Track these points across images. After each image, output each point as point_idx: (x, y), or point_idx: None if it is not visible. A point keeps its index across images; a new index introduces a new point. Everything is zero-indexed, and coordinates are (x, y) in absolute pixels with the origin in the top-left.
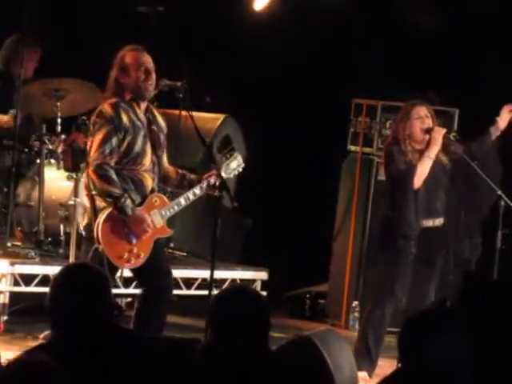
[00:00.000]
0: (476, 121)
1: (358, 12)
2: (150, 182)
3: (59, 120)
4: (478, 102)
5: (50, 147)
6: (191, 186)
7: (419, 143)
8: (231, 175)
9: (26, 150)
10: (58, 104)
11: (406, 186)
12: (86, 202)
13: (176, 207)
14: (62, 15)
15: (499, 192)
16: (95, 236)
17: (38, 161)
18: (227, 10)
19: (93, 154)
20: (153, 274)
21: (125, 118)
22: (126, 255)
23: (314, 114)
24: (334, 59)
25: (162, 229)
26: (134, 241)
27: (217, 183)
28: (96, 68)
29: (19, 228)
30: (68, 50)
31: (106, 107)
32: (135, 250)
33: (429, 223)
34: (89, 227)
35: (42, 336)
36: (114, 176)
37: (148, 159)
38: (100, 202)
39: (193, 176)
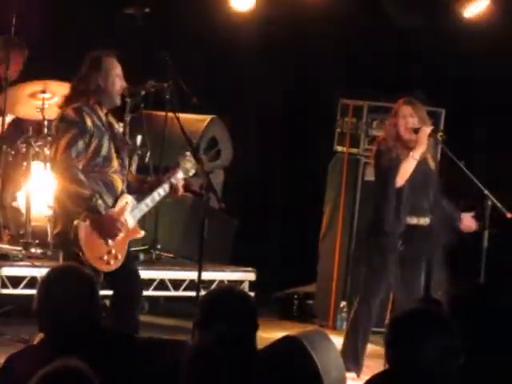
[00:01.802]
0: (462, 121)
1: (345, 12)
2: (119, 183)
3: (46, 122)
4: (464, 102)
5: (37, 149)
6: (152, 188)
7: (406, 142)
8: (190, 174)
9: (13, 152)
10: (45, 106)
11: (388, 183)
12: (56, 209)
13: (145, 208)
14: (48, 16)
15: (486, 192)
16: (73, 240)
17: (25, 163)
18: (213, 10)
19: (59, 158)
20: (125, 275)
21: (89, 122)
22: (105, 257)
23: (301, 115)
24: (320, 59)
25: (135, 230)
26: (111, 241)
27: (179, 183)
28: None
29: (6, 230)
30: (54, 51)
31: (69, 112)
32: (113, 252)
33: (413, 221)
34: (62, 234)
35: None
36: (83, 178)
37: (115, 161)
38: (72, 206)
39: (151, 179)
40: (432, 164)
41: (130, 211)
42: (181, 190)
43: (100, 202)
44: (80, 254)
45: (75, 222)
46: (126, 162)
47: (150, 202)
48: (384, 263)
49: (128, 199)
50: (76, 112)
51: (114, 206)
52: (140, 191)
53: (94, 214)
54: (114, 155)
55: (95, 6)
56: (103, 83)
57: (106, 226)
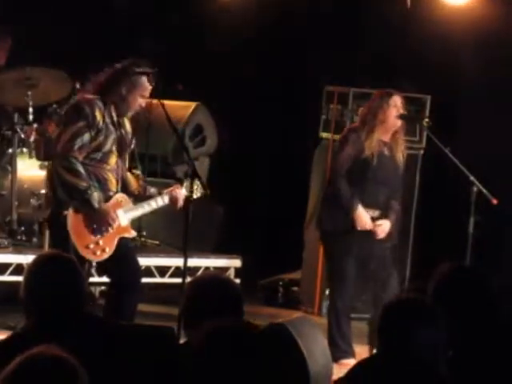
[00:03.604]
0: (448, 107)
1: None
2: (113, 182)
3: (31, 109)
4: (450, 88)
5: (22, 136)
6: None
7: (388, 131)
8: (194, 196)
9: None
10: (30, 93)
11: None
12: (49, 193)
13: (140, 210)
14: (32, 3)
15: (472, 178)
16: (62, 225)
17: (11, 150)
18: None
19: (62, 146)
20: (121, 269)
21: (99, 117)
22: (92, 246)
23: (286, 101)
24: (305, 46)
25: (127, 229)
26: (99, 234)
27: (181, 197)
28: (67, 55)
29: None
30: (39, 38)
31: (82, 102)
32: (101, 243)
33: (369, 213)
34: (51, 218)
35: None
36: (82, 169)
37: (113, 160)
38: (64, 195)
39: (153, 189)
40: (401, 161)
41: (125, 210)
42: (180, 203)
43: (95, 195)
44: (68, 239)
45: (65, 212)
46: (125, 165)
47: (146, 206)
48: (345, 251)
49: (123, 198)
50: (89, 104)
51: (107, 201)
52: (140, 197)
53: (87, 207)
54: (114, 154)
55: None
56: (126, 94)
57: (97, 219)
